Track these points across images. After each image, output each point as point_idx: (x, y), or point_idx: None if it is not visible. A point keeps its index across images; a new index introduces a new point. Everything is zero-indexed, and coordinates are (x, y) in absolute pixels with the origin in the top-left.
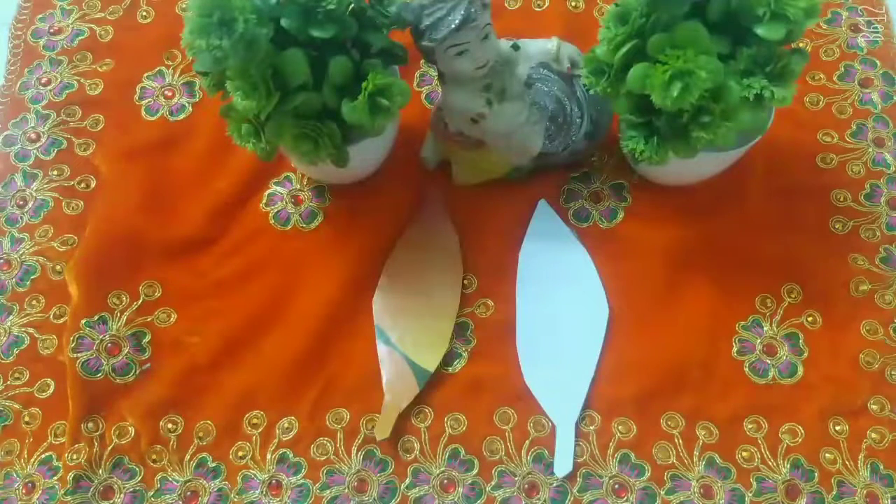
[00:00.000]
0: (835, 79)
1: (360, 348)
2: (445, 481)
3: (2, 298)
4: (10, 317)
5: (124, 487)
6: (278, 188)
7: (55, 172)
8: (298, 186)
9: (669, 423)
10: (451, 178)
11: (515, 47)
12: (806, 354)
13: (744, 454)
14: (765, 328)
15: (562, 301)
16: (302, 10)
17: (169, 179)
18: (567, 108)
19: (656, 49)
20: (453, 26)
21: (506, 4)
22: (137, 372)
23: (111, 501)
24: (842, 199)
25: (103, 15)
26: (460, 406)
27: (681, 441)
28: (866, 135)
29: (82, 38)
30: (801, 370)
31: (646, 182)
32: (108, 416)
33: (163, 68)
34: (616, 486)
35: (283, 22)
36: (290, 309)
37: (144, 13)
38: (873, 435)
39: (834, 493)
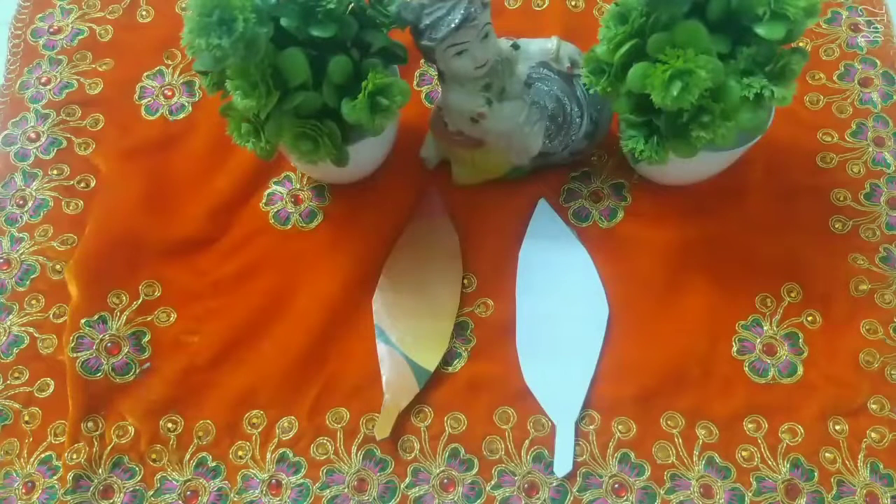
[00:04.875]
0: (835, 78)
1: (360, 348)
2: (445, 481)
3: (2, 298)
4: (10, 316)
5: (124, 487)
6: (278, 188)
7: (55, 172)
8: (298, 186)
9: (669, 422)
10: (451, 178)
11: (515, 47)
12: (806, 354)
13: (743, 454)
14: (765, 328)
15: (561, 300)
16: (302, 10)
17: (169, 179)
18: (567, 107)
19: (656, 48)
20: (453, 25)
21: (506, 4)
22: (137, 371)
23: (111, 501)
24: (842, 199)
25: (103, 14)
26: (460, 405)
27: (681, 440)
28: (866, 134)
29: (82, 37)
30: (800, 370)
31: (646, 182)
32: (108, 416)
33: (162, 68)
34: (616, 485)
35: (283, 21)
36: (289, 308)
37: (144, 13)
38: (873, 434)
39: (834, 492)
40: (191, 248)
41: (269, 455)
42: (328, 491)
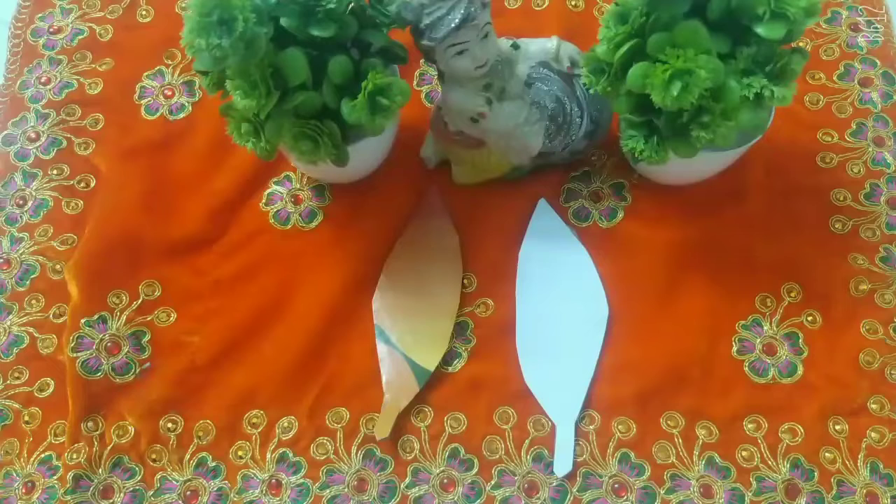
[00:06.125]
0: (835, 78)
1: (359, 348)
2: (445, 480)
3: (1, 298)
4: (10, 316)
5: (124, 487)
6: (278, 188)
7: (55, 172)
8: (298, 186)
9: (669, 422)
10: (451, 178)
11: (515, 46)
12: (806, 354)
13: (743, 454)
14: (765, 328)
15: (561, 300)
16: (302, 10)
17: (169, 179)
18: (567, 107)
19: (656, 48)
20: (453, 25)
21: (506, 3)
22: (137, 371)
23: (111, 501)
24: (842, 199)
25: (103, 14)
26: (460, 405)
27: (680, 440)
28: (866, 134)
29: (82, 37)
30: (800, 370)
31: (646, 181)
32: (108, 416)
33: (162, 68)
34: (616, 485)
35: (283, 21)
36: (289, 308)
37: (144, 12)
38: (873, 434)
39: (834, 492)
40: (191, 248)
41: (269, 455)
42: (328, 491)
